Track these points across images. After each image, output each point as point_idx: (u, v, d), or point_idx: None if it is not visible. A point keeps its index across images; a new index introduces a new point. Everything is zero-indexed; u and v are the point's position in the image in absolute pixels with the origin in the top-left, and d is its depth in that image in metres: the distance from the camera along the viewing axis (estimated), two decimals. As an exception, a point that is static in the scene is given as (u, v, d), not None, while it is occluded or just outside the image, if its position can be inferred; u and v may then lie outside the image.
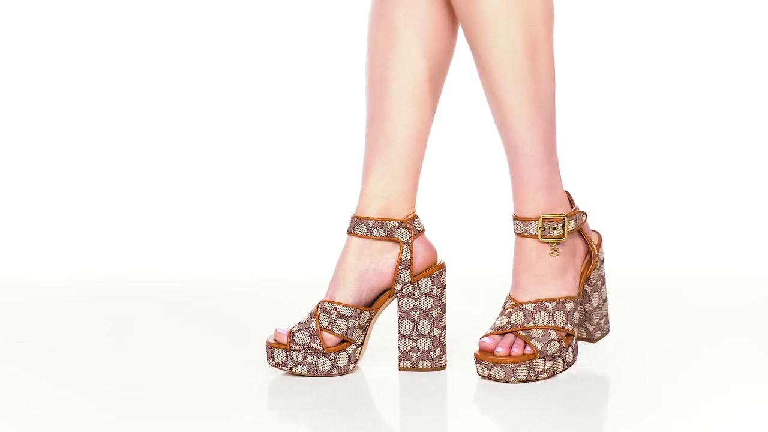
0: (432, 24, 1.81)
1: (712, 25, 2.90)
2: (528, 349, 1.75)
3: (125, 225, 2.85)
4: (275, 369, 1.82)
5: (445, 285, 1.83)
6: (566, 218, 1.79)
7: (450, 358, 1.85)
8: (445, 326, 1.82)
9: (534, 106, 1.75)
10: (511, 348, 1.76)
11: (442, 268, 1.83)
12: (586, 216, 1.84)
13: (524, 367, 1.74)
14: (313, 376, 1.79)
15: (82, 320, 2.28)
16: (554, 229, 1.79)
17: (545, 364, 1.75)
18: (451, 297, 1.96)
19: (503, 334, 1.77)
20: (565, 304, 1.79)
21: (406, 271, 1.81)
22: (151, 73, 2.90)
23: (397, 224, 1.81)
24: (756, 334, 2.09)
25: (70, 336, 2.13)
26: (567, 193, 1.83)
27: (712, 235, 2.80)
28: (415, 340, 1.81)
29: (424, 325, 1.81)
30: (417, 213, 1.85)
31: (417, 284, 1.81)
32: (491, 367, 1.75)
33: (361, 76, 1.86)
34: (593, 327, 1.87)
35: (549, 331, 1.76)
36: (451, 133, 2.47)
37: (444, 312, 1.83)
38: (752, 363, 1.88)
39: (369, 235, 1.81)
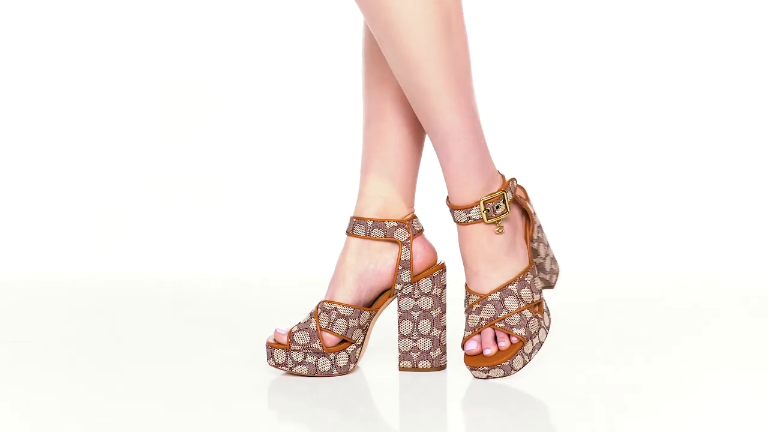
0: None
1: (711, 25, 2.89)
2: (514, 338, 1.76)
3: (125, 225, 2.85)
4: (275, 369, 1.81)
5: (445, 285, 1.83)
6: (504, 193, 1.76)
7: (450, 358, 1.85)
8: (445, 326, 1.82)
9: (457, 86, 1.70)
10: (495, 342, 1.76)
11: (442, 268, 1.83)
12: (514, 179, 1.79)
13: (518, 357, 1.75)
14: (313, 376, 1.79)
15: (82, 320, 2.28)
16: (497, 207, 1.76)
17: (533, 343, 1.77)
18: (451, 297, 1.96)
19: (481, 332, 1.77)
20: (525, 278, 1.78)
21: (405, 272, 1.80)
22: (151, 74, 2.90)
23: (395, 224, 1.81)
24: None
25: (70, 336, 2.13)
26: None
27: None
28: (415, 340, 1.81)
29: (424, 325, 1.81)
30: (416, 213, 1.84)
31: (417, 284, 1.81)
32: (488, 369, 1.75)
33: (359, 76, 1.86)
34: (548, 275, 1.86)
35: (523, 312, 1.76)
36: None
37: (444, 312, 1.82)
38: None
39: (368, 236, 1.81)
